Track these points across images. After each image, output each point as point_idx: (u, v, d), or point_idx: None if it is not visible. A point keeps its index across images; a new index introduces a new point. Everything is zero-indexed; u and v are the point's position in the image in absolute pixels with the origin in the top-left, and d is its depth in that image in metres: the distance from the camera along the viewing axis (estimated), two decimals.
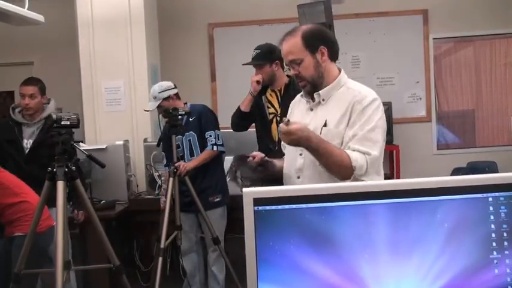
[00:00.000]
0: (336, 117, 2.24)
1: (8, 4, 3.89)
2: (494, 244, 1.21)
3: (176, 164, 3.76)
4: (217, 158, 4.13)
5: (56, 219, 2.65)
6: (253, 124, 4.05)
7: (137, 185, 5.08)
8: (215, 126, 4.11)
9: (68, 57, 6.01)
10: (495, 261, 1.21)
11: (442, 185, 1.21)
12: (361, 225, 1.20)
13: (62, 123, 2.72)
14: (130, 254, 4.88)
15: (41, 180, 2.79)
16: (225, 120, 4.35)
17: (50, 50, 6.60)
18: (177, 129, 3.82)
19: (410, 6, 6.24)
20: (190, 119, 4.05)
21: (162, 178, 4.40)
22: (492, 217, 1.21)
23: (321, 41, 2.30)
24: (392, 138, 6.01)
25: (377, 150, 2.19)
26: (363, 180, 2.15)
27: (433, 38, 6.28)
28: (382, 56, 6.27)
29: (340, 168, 2.15)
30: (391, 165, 6.05)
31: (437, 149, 6.39)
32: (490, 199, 1.21)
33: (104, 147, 4.72)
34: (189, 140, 4.06)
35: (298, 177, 2.33)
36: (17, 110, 3.98)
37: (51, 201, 2.71)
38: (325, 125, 2.25)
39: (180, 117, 3.82)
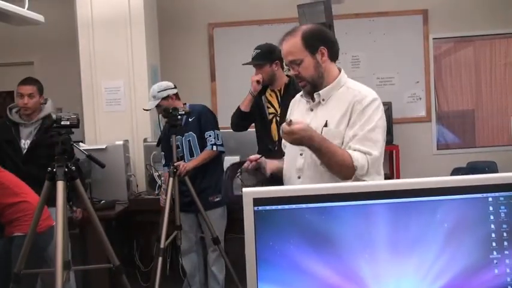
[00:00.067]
0: (336, 118, 2.24)
1: (8, 4, 3.89)
2: (494, 244, 1.21)
3: (176, 164, 3.76)
4: (217, 158, 4.13)
5: (56, 219, 2.65)
6: (253, 124, 4.05)
7: (137, 185, 5.08)
8: (215, 126, 4.11)
9: (68, 57, 6.02)
10: (495, 261, 1.21)
11: (442, 185, 1.21)
12: (361, 225, 1.20)
13: (62, 123, 2.72)
14: (130, 254, 4.88)
15: (40, 181, 2.79)
16: (224, 120, 4.35)
17: (49, 50, 6.61)
18: (176, 129, 3.82)
19: (410, 6, 6.24)
20: (190, 119, 4.05)
21: (162, 178, 4.40)
22: (492, 217, 1.21)
23: (321, 41, 2.30)
24: (392, 138, 6.01)
25: (378, 150, 2.19)
26: (363, 180, 2.16)
27: (433, 38, 6.28)
28: (382, 56, 6.27)
29: (342, 168, 2.15)
30: (391, 165, 6.05)
31: (437, 149, 6.39)
32: (490, 199, 1.21)
33: (103, 147, 4.72)
34: (189, 141, 4.05)
35: (299, 177, 2.33)
36: (14, 111, 3.97)
37: (50, 201, 2.72)
38: (325, 125, 2.25)
39: (179, 117, 3.82)
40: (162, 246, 3.58)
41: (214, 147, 4.01)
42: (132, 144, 5.18)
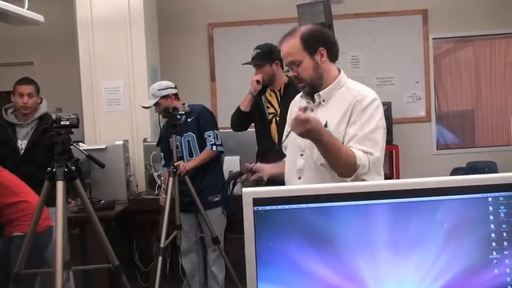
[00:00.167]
0: (337, 118, 2.24)
1: (7, 4, 3.89)
2: (493, 244, 1.21)
3: (176, 164, 3.77)
4: (217, 158, 4.13)
5: (56, 219, 2.65)
6: (253, 124, 4.05)
7: (137, 185, 5.08)
8: (214, 126, 4.11)
9: (68, 57, 6.02)
10: (495, 261, 1.21)
11: (441, 185, 1.21)
12: (361, 225, 1.20)
13: (62, 123, 2.72)
14: (130, 254, 4.88)
15: (38, 181, 2.79)
16: (224, 120, 4.36)
17: (49, 50, 6.60)
18: (176, 128, 3.82)
19: (410, 6, 6.24)
20: (189, 120, 4.05)
21: (162, 178, 4.41)
22: (492, 217, 1.21)
23: (320, 42, 2.29)
24: (392, 138, 6.01)
25: (379, 150, 2.19)
26: (363, 179, 2.16)
27: (433, 38, 6.28)
28: (381, 56, 6.27)
29: (345, 166, 2.14)
30: (391, 165, 6.04)
31: (437, 149, 6.39)
32: (490, 199, 1.21)
33: (103, 147, 4.72)
34: (188, 141, 4.05)
35: (299, 178, 2.33)
36: (9, 111, 3.97)
37: (50, 201, 2.72)
38: (325, 126, 2.24)
39: (179, 116, 3.82)
40: (162, 245, 3.59)
41: (214, 147, 4.01)
42: (132, 144, 5.18)
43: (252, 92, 3.88)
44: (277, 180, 2.42)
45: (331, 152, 2.12)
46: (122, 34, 5.25)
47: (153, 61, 5.53)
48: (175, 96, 4.11)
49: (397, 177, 5.76)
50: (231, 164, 4.44)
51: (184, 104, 4.13)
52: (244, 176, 2.40)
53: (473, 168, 5.99)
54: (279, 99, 3.85)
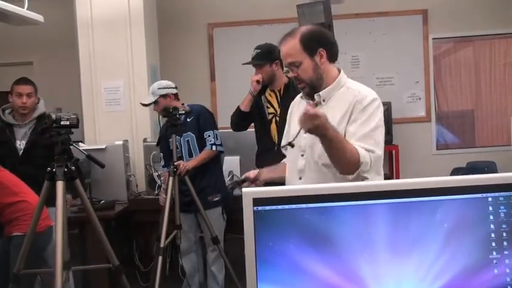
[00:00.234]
0: (337, 118, 2.24)
1: (7, 4, 3.89)
2: (493, 244, 1.21)
3: (176, 163, 3.77)
4: (216, 158, 4.13)
5: (56, 219, 2.65)
6: (253, 124, 4.05)
7: (137, 185, 5.08)
8: (213, 126, 4.11)
9: (68, 57, 6.02)
10: (494, 261, 1.21)
11: (441, 185, 1.21)
12: (360, 225, 1.20)
13: (62, 123, 2.72)
14: (130, 254, 4.88)
15: (38, 181, 2.79)
16: (224, 120, 4.36)
17: (49, 50, 6.61)
18: (177, 128, 3.82)
19: (410, 6, 6.24)
20: (188, 120, 4.05)
21: (162, 178, 4.41)
22: (491, 217, 1.21)
23: (320, 43, 2.29)
24: (391, 138, 6.01)
25: (380, 149, 2.19)
26: (365, 177, 2.15)
27: (433, 38, 6.29)
28: (381, 56, 6.27)
29: (349, 163, 2.11)
30: (391, 165, 6.05)
31: (437, 149, 6.39)
32: (490, 199, 1.21)
33: (103, 147, 4.72)
34: (187, 141, 4.05)
35: (300, 178, 2.33)
36: (7, 112, 3.96)
37: (50, 201, 2.72)
38: None
39: (179, 116, 3.83)
40: (162, 245, 3.59)
41: (214, 147, 4.01)
42: (132, 144, 5.18)
43: (252, 92, 3.88)
44: (276, 183, 2.42)
45: (337, 149, 2.08)
46: (122, 34, 5.25)
47: (153, 61, 5.53)
48: (175, 96, 4.11)
49: (397, 177, 5.77)
50: (231, 164, 4.44)
51: (183, 104, 4.13)
52: (245, 184, 2.40)
53: (473, 168, 5.99)
54: (279, 99, 3.85)
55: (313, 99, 2.32)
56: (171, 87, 4.10)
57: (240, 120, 4.00)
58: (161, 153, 4.25)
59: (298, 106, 2.48)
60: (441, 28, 6.25)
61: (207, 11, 6.36)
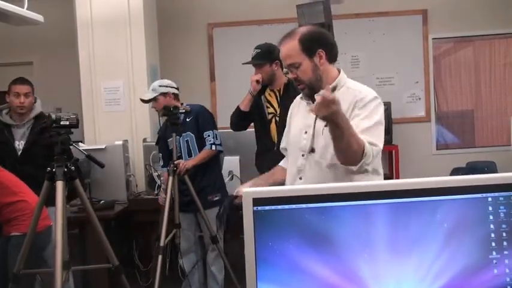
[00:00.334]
0: None
1: (7, 4, 3.89)
2: (493, 244, 1.21)
3: (176, 162, 3.77)
4: (216, 158, 4.13)
5: (55, 219, 2.65)
6: (252, 124, 4.05)
7: (136, 185, 5.08)
8: (213, 126, 4.11)
9: (67, 57, 6.02)
10: (494, 261, 1.21)
11: (441, 185, 1.21)
12: (360, 225, 1.20)
13: (61, 123, 2.72)
14: (130, 254, 4.87)
15: (38, 181, 2.79)
16: (224, 120, 4.36)
17: (49, 50, 6.60)
18: (177, 127, 3.82)
19: (410, 6, 6.24)
20: (188, 119, 4.06)
21: (162, 178, 4.41)
22: (491, 217, 1.21)
23: (319, 44, 2.28)
24: (391, 138, 6.00)
25: (381, 144, 2.18)
26: (366, 170, 2.15)
27: (433, 38, 6.29)
28: (381, 56, 6.27)
29: (355, 153, 2.08)
30: (391, 165, 6.05)
31: (437, 149, 6.39)
32: (490, 199, 1.21)
33: (103, 147, 4.72)
34: (187, 141, 4.05)
35: (300, 178, 2.33)
36: (4, 112, 3.96)
37: (49, 200, 2.72)
38: (326, 125, 2.23)
39: (179, 115, 3.84)
40: (162, 244, 3.59)
41: (213, 147, 4.01)
42: (132, 144, 5.18)
43: (252, 92, 3.88)
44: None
45: (346, 137, 2.02)
46: (122, 34, 5.25)
47: (152, 61, 5.53)
48: (175, 96, 4.11)
49: (397, 177, 5.77)
50: (230, 163, 4.44)
51: (182, 103, 4.14)
52: (237, 200, 2.40)
53: (472, 168, 6.00)
54: (279, 99, 3.85)
55: (313, 100, 2.32)
56: (172, 87, 4.11)
57: (239, 120, 4.00)
58: (160, 153, 4.25)
59: (298, 107, 2.47)
60: (441, 28, 6.25)
61: (207, 11, 6.36)
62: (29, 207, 3.22)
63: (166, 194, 3.72)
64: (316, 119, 2.25)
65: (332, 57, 2.32)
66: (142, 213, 4.68)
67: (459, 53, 6.36)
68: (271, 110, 3.87)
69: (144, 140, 5.08)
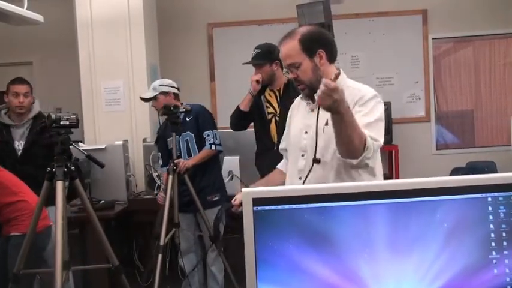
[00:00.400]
0: None
1: (7, 4, 3.89)
2: (493, 244, 1.21)
3: (176, 161, 3.77)
4: (215, 158, 4.13)
5: (55, 219, 2.65)
6: (252, 124, 4.05)
7: (136, 185, 5.08)
8: (213, 125, 4.11)
9: (67, 57, 6.02)
10: (494, 261, 1.21)
11: (441, 185, 1.21)
12: (360, 225, 1.20)
13: (61, 123, 2.72)
14: (130, 254, 4.87)
15: (38, 181, 2.79)
16: (224, 119, 4.36)
17: (49, 50, 6.60)
18: (177, 126, 3.82)
19: (410, 6, 6.24)
20: (188, 119, 4.06)
21: (161, 178, 4.41)
22: (491, 217, 1.21)
23: (319, 44, 2.28)
24: (391, 138, 6.00)
25: (381, 140, 2.17)
26: (367, 164, 2.14)
27: (433, 38, 6.28)
28: (381, 56, 6.27)
29: (357, 145, 2.06)
30: (390, 165, 6.05)
31: (437, 149, 6.39)
32: (489, 199, 1.21)
33: (103, 147, 4.72)
34: (186, 140, 4.05)
35: (300, 178, 2.33)
36: (3, 112, 3.96)
37: (49, 200, 2.72)
38: (326, 124, 2.23)
39: (179, 114, 3.84)
40: (162, 243, 3.59)
41: (213, 147, 4.01)
42: (132, 144, 5.18)
43: (252, 92, 3.88)
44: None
45: (349, 128, 2.01)
46: (122, 34, 5.25)
47: (152, 61, 5.53)
48: (176, 96, 4.11)
49: (397, 177, 5.77)
50: (230, 164, 4.44)
51: (182, 103, 4.14)
52: (234, 208, 2.40)
53: (472, 168, 5.99)
54: (279, 99, 3.85)
55: (313, 100, 2.32)
56: (173, 86, 4.11)
57: (239, 120, 4.00)
58: (159, 153, 4.25)
59: (298, 108, 2.47)
60: (441, 28, 6.25)
61: (207, 11, 6.36)
62: (28, 207, 3.22)
63: (166, 193, 3.72)
64: (317, 119, 2.24)
65: (332, 58, 2.32)
66: (142, 213, 4.68)
67: (459, 53, 6.36)
68: (271, 110, 3.87)
69: (144, 140, 5.08)
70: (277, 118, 3.80)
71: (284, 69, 3.62)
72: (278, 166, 2.61)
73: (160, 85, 4.07)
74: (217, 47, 6.40)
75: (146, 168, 4.87)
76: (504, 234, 1.21)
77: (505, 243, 1.21)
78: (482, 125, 6.36)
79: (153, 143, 4.59)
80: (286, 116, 2.59)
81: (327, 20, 4.08)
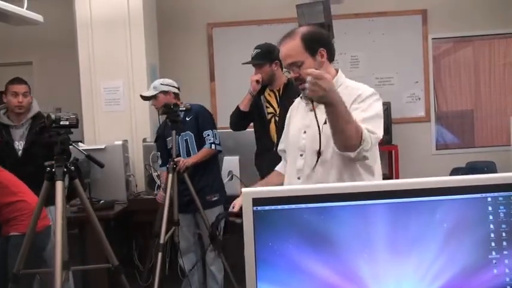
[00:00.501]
0: None
1: (6, 4, 3.89)
2: (493, 244, 1.21)
3: (176, 160, 3.77)
4: (214, 158, 4.13)
5: (55, 219, 2.65)
6: (252, 124, 4.05)
7: (136, 185, 5.08)
8: (212, 125, 4.12)
9: (67, 57, 6.02)
10: (494, 261, 1.21)
11: (441, 185, 1.21)
12: (360, 225, 1.20)
13: (61, 123, 2.72)
14: (129, 254, 4.87)
15: (39, 181, 2.79)
16: (224, 119, 4.36)
17: (49, 50, 6.60)
18: (177, 124, 3.82)
19: (410, 6, 6.24)
20: (187, 119, 4.06)
21: (161, 178, 4.41)
22: (491, 217, 1.21)
23: (320, 43, 2.29)
24: (391, 138, 6.01)
25: (380, 133, 2.16)
26: (365, 156, 2.13)
27: (432, 38, 6.28)
28: (381, 56, 6.27)
29: (353, 136, 2.05)
30: (390, 165, 6.05)
31: (436, 149, 6.39)
32: (489, 199, 1.21)
33: (103, 147, 4.72)
34: (186, 140, 4.05)
35: (299, 178, 2.33)
36: (1, 112, 3.96)
37: (49, 200, 2.72)
38: (325, 123, 2.23)
39: (179, 113, 3.84)
40: (161, 241, 3.59)
41: (213, 146, 4.02)
42: (131, 144, 5.18)
43: (252, 92, 3.88)
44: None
45: (344, 119, 2.01)
46: (122, 34, 5.25)
47: (152, 61, 5.53)
48: (176, 96, 4.12)
49: (397, 177, 5.77)
50: (230, 164, 4.44)
51: (182, 102, 4.14)
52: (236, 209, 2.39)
53: (472, 168, 5.99)
54: (278, 99, 3.85)
55: (312, 100, 2.32)
56: (174, 86, 4.12)
57: (239, 120, 4.00)
58: (158, 152, 4.25)
59: (298, 108, 2.48)
60: (441, 28, 6.25)
61: (207, 11, 6.36)
62: (28, 207, 3.22)
63: (165, 192, 3.72)
64: (314, 118, 2.23)
65: (331, 57, 2.34)
66: (142, 213, 4.68)
67: (459, 53, 6.36)
68: (270, 110, 3.87)
69: (144, 140, 5.08)
70: (276, 118, 3.80)
71: (284, 69, 3.63)
72: (277, 168, 2.61)
73: (161, 84, 4.08)
74: (217, 47, 6.40)
75: (146, 168, 4.87)
76: (504, 234, 1.21)
77: (504, 243, 1.21)
78: (482, 125, 6.36)
79: (153, 143, 4.59)
80: (286, 116, 2.59)
81: (327, 20, 4.09)
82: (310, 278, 1.19)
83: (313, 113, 2.32)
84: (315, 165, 2.25)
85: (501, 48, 6.29)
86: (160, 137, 4.19)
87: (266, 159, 3.61)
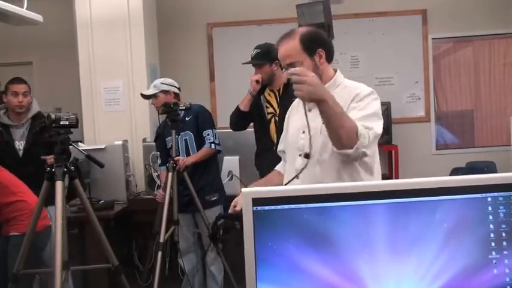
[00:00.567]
0: None
1: (6, 4, 3.89)
2: (493, 244, 1.21)
3: (176, 159, 3.77)
4: (214, 157, 4.13)
5: (55, 219, 2.65)
6: (252, 124, 4.05)
7: (136, 185, 5.08)
8: (212, 125, 4.13)
9: (67, 57, 6.02)
10: (494, 261, 1.21)
11: (441, 185, 1.21)
12: (360, 225, 1.20)
13: (61, 123, 2.72)
14: (129, 254, 4.87)
15: (39, 180, 2.79)
16: (224, 119, 4.36)
17: (48, 50, 6.60)
18: (177, 124, 3.83)
19: (410, 6, 6.24)
20: (187, 118, 4.06)
21: (161, 178, 4.41)
22: (491, 217, 1.21)
23: (318, 44, 2.29)
24: (391, 138, 6.01)
25: (378, 128, 2.16)
26: (364, 153, 2.12)
27: (432, 38, 6.29)
28: (381, 56, 6.27)
29: (348, 134, 2.05)
30: (390, 165, 6.05)
31: (436, 149, 6.39)
32: (489, 199, 1.21)
33: (102, 147, 4.72)
34: (185, 140, 4.05)
35: (298, 178, 2.33)
36: (1, 112, 3.96)
37: (49, 200, 2.72)
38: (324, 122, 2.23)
39: (179, 112, 3.85)
40: (161, 241, 3.59)
41: (213, 146, 4.02)
42: (131, 144, 5.18)
43: (252, 92, 3.88)
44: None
45: (337, 117, 2.01)
46: (121, 34, 5.25)
47: (152, 61, 5.53)
48: (176, 95, 4.12)
49: (396, 177, 5.77)
50: (230, 164, 4.44)
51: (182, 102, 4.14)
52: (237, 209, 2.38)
53: (472, 168, 6.00)
54: (278, 99, 3.85)
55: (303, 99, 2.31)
56: (174, 86, 4.12)
57: (239, 120, 4.00)
58: (158, 151, 4.26)
59: (297, 109, 2.47)
60: (441, 28, 6.26)
61: (206, 11, 6.36)
62: (28, 207, 3.22)
63: (165, 191, 3.72)
64: (312, 118, 2.23)
65: (330, 58, 2.34)
66: (141, 213, 4.68)
67: (459, 53, 6.36)
68: (270, 110, 3.87)
69: (144, 140, 5.08)
70: (276, 118, 3.80)
71: (283, 69, 3.63)
72: (276, 168, 2.61)
73: (161, 83, 4.08)
74: (216, 47, 6.40)
75: (146, 168, 4.87)
76: (504, 234, 1.21)
77: (504, 243, 1.21)
78: (482, 125, 6.36)
79: (152, 143, 4.59)
80: (285, 119, 2.59)
81: (327, 20, 4.08)
82: (310, 278, 1.19)
83: (311, 113, 2.32)
84: (303, 168, 2.25)
85: (501, 48, 6.30)
86: (160, 137, 4.19)
87: (266, 159, 3.61)
